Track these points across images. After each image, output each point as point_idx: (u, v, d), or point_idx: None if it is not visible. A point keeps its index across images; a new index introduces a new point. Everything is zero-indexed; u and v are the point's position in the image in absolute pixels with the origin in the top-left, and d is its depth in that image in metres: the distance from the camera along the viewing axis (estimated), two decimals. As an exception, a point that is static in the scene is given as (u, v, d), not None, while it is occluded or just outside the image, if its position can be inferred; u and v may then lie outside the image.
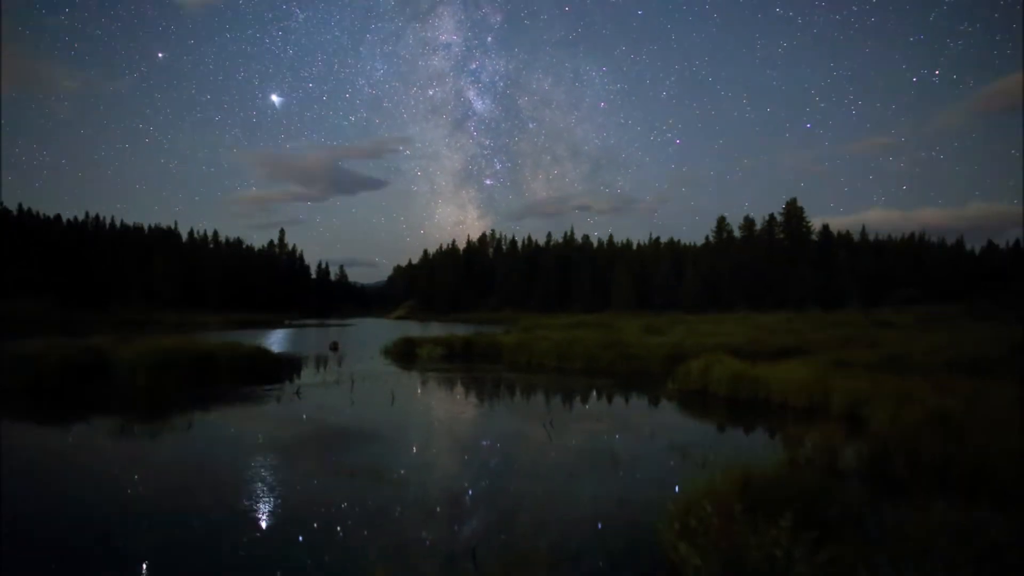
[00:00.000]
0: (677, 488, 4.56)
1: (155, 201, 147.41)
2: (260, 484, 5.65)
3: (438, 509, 5.03)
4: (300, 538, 4.32)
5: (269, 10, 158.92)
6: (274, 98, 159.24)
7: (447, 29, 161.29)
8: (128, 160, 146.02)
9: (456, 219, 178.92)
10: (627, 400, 11.61)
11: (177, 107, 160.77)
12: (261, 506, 5.03)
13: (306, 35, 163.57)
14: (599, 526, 4.62)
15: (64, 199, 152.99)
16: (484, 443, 8.04)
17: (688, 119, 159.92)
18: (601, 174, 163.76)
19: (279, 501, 5.17)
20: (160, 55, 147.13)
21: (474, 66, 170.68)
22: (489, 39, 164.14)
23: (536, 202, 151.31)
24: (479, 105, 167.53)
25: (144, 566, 3.83)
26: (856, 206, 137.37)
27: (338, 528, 4.53)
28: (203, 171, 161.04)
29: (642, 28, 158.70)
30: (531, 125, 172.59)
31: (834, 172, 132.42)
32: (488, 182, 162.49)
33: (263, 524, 4.61)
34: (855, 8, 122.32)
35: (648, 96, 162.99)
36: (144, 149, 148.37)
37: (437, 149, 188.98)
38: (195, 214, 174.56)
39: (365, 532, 4.47)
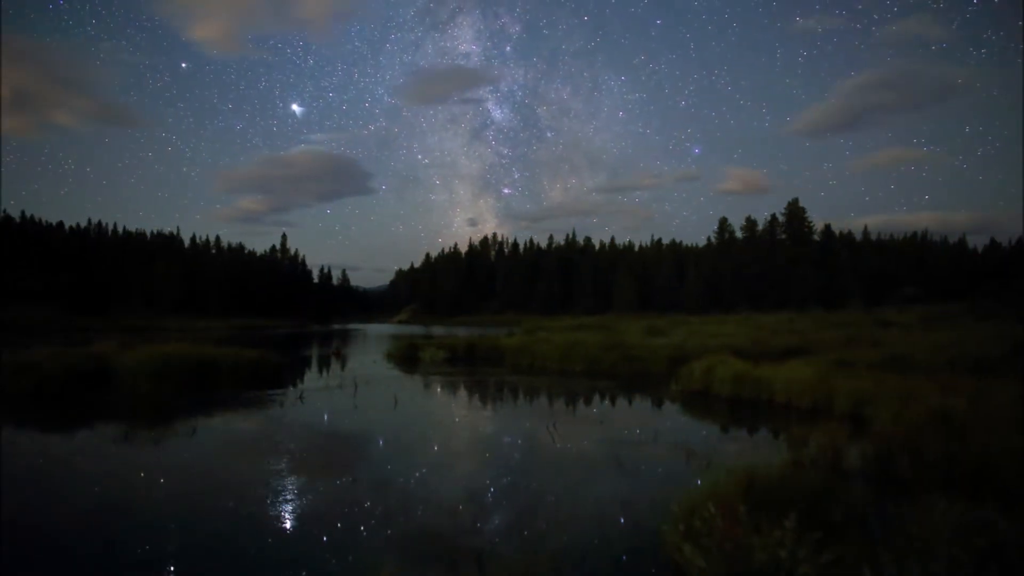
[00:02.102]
0: (681, 490, 4.56)
1: (175, 209, 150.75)
2: (264, 489, 5.66)
3: (441, 512, 5.04)
4: (305, 542, 4.33)
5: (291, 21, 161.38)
6: (295, 107, 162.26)
7: (466, 39, 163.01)
8: (150, 168, 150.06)
9: (474, 227, 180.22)
10: (630, 402, 11.61)
11: (199, 116, 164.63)
12: (266, 511, 5.04)
13: (327, 45, 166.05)
14: (604, 529, 4.62)
15: (87, 207, 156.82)
16: (487, 447, 8.04)
17: (707, 128, 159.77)
18: (619, 183, 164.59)
19: (283, 506, 5.18)
20: (183, 65, 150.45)
21: (493, 75, 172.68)
22: (508, 48, 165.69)
23: (553, 209, 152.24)
24: (497, 114, 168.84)
25: (152, 571, 3.85)
26: (874, 210, 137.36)
27: (343, 531, 4.55)
28: (224, 179, 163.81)
29: (661, 37, 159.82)
30: (549, 134, 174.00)
31: (854, 181, 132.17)
32: (506, 191, 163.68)
33: (269, 529, 4.62)
34: (876, 16, 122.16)
35: (667, 105, 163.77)
36: (166, 157, 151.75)
37: (455, 158, 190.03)
38: (217, 222, 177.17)
39: (369, 535, 4.48)
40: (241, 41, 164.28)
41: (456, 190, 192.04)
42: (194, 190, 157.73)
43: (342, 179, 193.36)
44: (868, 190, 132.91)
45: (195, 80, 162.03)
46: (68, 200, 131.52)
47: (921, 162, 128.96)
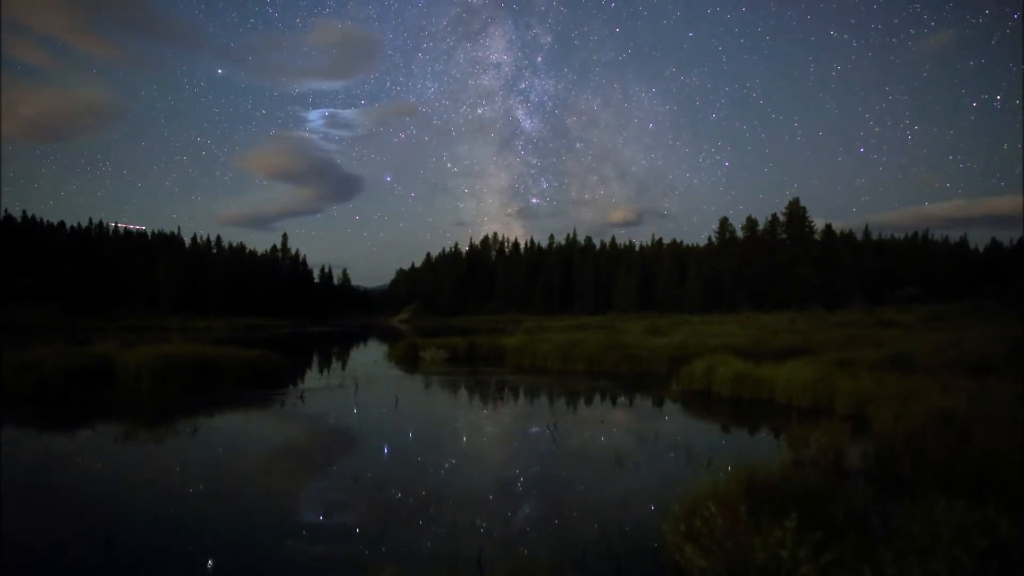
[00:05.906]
0: (682, 489, 4.57)
1: (207, 212, 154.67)
2: (264, 488, 5.67)
3: (441, 512, 5.04)
4: (304, 542, 4.34)
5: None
6: (326, 113, 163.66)
7: (498, 49, 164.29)
8: (184, 172, 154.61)
9: (502, 235, 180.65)
10: (630, 401, 11.61)
11: (233, 121, 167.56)
12: (266, 510, 5.05)
13: (359, 54, 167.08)
14: (604, 528, 4.62)
15: (124, 208, 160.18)
16: (486, 446, 8.05)
17: (738, 142, 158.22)
18: (648, 195, 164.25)
19: (283, 505, 5.19)
20: (219, 71, 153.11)
21: (523, 85, 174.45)
22: (539, 59, 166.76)
23: (579, 219, 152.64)
24: (527, 124, 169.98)
25: (153, 571, 3.86)
26: (901, 217, 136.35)
27: (343, 530, 4.55)
28: (256, 184, 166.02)
29: (692, 50, 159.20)
30: (579, 145, 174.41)
31: (888, 197, 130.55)
32: (534, 201, 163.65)
33: (269, 528, 4.63)
34: (912, 32, 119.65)
35: (697, 118, 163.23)
36: (200, 161, 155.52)
37: (484, 167, 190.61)
38: (242, 225, 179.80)
39: (368, 534, 4.49)
40: (275, 47, 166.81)
41: (484, 199, 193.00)
42: (226, 193, 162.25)
43: (368, 185, 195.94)
44: (910, 210, 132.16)
45: (230, 86, 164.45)
46: (103, 202, 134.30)
47: (975, 185, 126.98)
